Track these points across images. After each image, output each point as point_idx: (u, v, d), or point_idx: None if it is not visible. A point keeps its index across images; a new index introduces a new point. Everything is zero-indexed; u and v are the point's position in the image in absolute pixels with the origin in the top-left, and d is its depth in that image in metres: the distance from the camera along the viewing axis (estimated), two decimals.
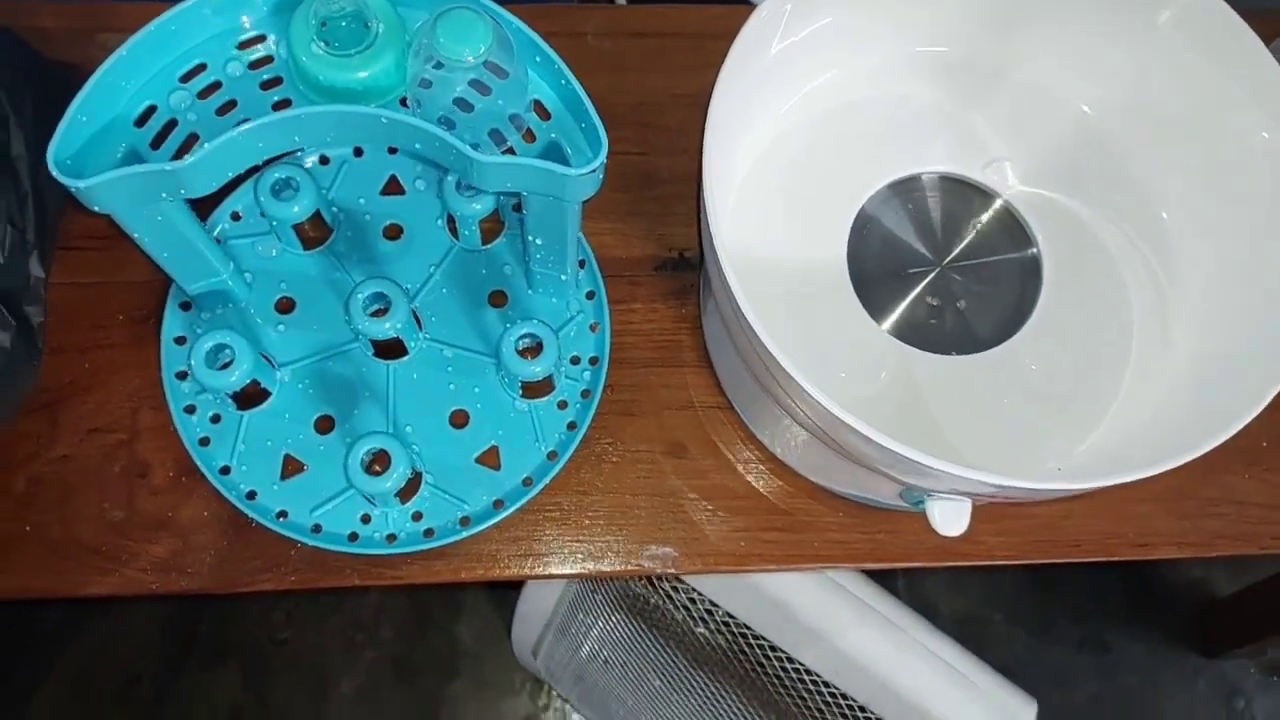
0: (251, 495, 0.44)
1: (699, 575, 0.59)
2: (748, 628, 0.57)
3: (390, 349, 0.46)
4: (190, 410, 0.45)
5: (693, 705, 0.64)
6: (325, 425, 0.46)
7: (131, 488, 0.45)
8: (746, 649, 0.58)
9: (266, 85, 0.39)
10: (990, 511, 0.47)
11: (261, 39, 0.39)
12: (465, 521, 0.45)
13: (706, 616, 0.59)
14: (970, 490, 0.37)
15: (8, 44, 0.46)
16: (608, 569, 0.46)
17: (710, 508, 0.47)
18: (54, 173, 0.35)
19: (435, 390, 0.46)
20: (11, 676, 0.91)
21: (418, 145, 0.38)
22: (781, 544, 0.47)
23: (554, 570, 0.46)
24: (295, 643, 0.94)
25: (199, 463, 0.44)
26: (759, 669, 0.58)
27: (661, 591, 0.60)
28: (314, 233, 0.48)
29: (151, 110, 0.38)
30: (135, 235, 0.40)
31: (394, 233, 0.49)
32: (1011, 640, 0.97)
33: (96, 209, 0.37)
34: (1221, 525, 0.48)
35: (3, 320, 0.42)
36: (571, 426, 0.46)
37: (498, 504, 0.45)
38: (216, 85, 0.38)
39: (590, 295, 0.48)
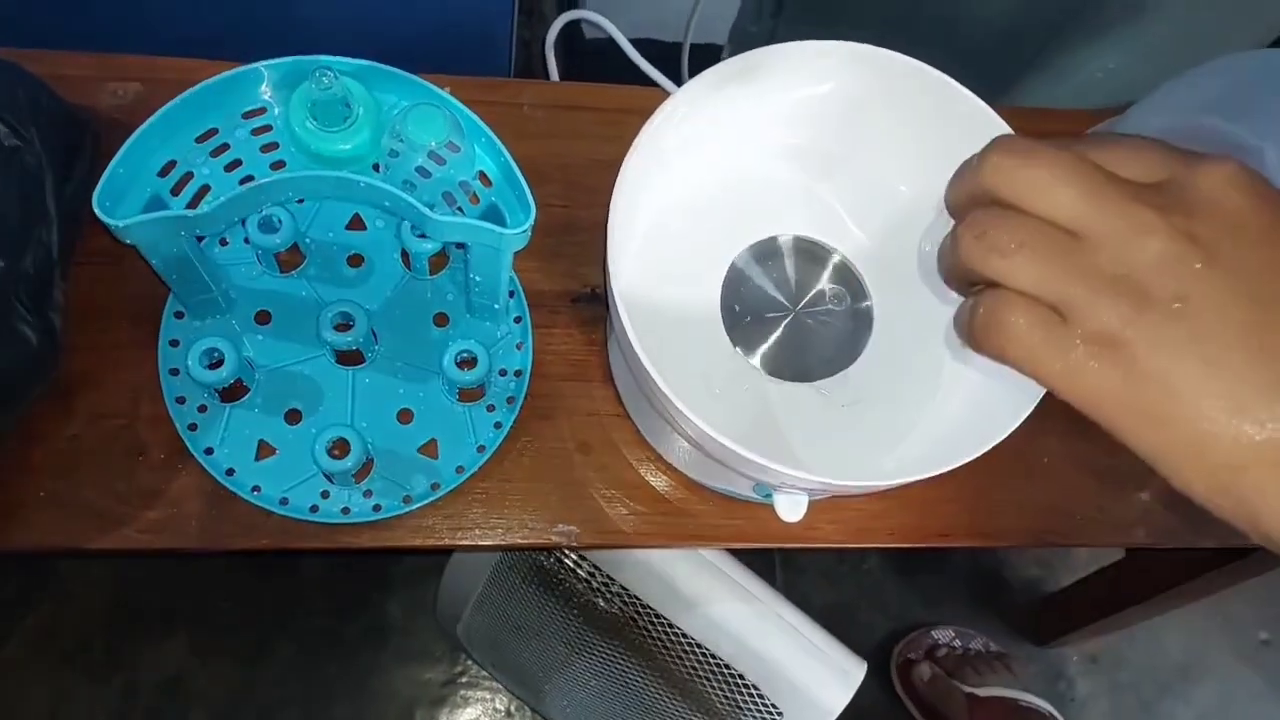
0: (231, 472, 0.54)
1: (597, 549, 0.70)
2: (638, 598, 0.69)
3: (350, 358, 0.56)
4: (181, 401, 0.55)
5: (591, 666, 0.75)
6: (294, 417, 0.55)
7: (131, 464, 0.54)
8: (636, 616, 0.69)
9: (266, 148, 0.48)
10: (825, 505, 0.59)
11: (263, 110, 0.49)
12: (407, 500, 0.55)
13: (604, 588, 0.70)
14: (800, 485, 0.49)
15: (38, 90, 0.55)
16: (522, 541, 0.57)
17: (608, 495, 0.58)
18: (97, 213, 0.44)
19: (386, 392, 0.56)
20: None
21: (386, 204, 0.48)
22: (663, 526, 0.58)
23: (479, 542, 0.56)
24: (237, 614, 1.02)
25: (188, 444, 0.54)
26: (646, 633, 0.70)
27: (567, 567, 0.71)
28: (290, 259, 0.57)
29: (172, 164, 0.48)
30: (152, 261, 0.49)
31: (356, 261, 0.59)
32: (872, 626, 1.11)
33: (128, 242, 0.46)
34: (1007, 522, 0.61)
35: (32, 323, 0.51)
36: (498, 426, 0.57)
37: (434, 486, 0.55)
38: (225, 146, 0.48)
39: (518, 320, 0.59)
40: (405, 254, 0.58)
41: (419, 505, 0.55)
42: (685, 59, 0.95)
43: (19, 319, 0.51)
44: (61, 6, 0.68)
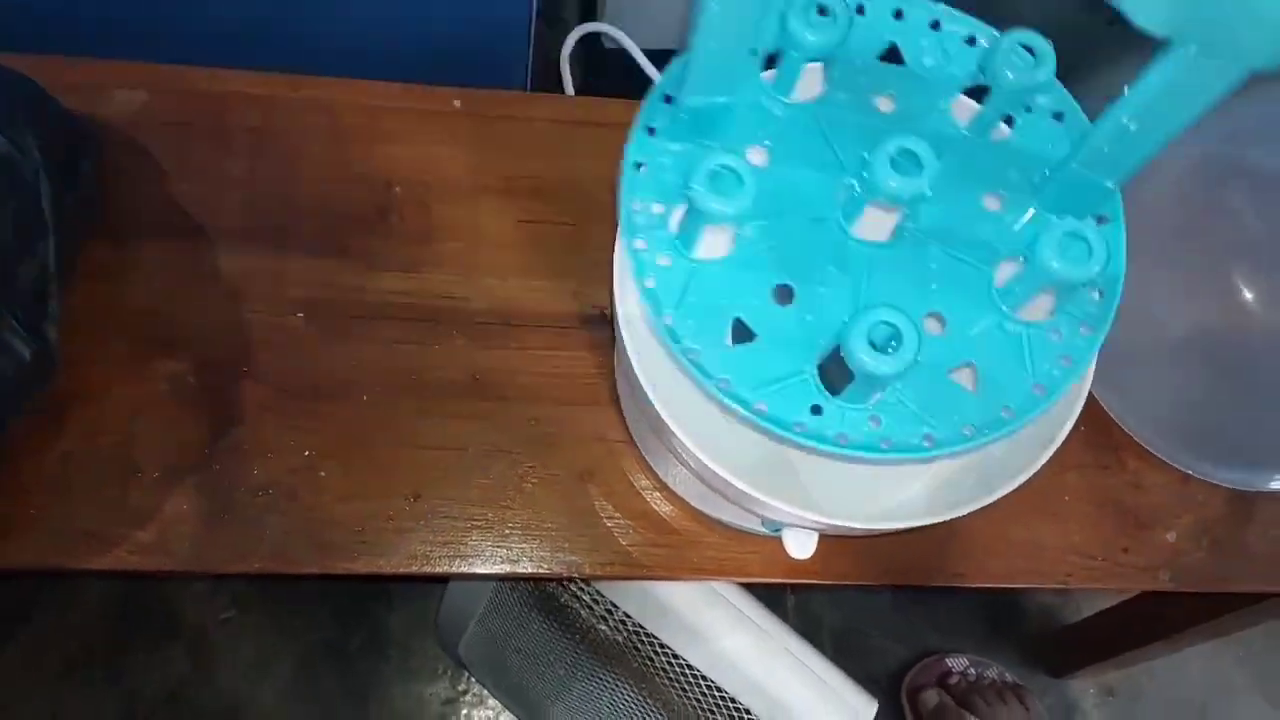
0: (692, 355, 0.39)
1: (601, 580, 0.68)
2: (641, 626, 0.67)
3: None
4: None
5: (592, 692, 0.73)
6: (784, 296, 0.41)
7: (124, 482, 0.52)
8: (640, 645, 0.68)
9: None
10: (837, 541, 0.57)
11: None
12: (929, 440, 0.39)
13: (607, 615, 0.68)
14: (807, 524, 0.47)
15: (39, 98, 0.54)
16: (523, 571, 0.55)
17: (611, 524, 0.56)
18: None
19: (913, 290, 0.41)
20: None
21: None
22: (668, 557, 0.56)
23: (476, 570, 0.54)
24: (238, 625, 1.01)
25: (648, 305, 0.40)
26: (649, 662, 0.68)
27: (570, 592, 0.70)
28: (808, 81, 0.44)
29: None
30: (712, 5, 0.35)
31: (885, 106, 0.44)
32: (884, 653, 1.08)
33: None
34: (1025, 563, 0.58)
35: (27, 339, 0.50)
36: (1066, 360, 0.41)
37: (968, 431, 0.39)
38: None
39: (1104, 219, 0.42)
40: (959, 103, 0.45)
41: (939, 452, 0.39)
42: None
43: (12, 333, 0.49)
44: (68, 10, 0.67)
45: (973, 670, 1.06)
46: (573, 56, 0.92)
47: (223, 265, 0.57)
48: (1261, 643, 1.15)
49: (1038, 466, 0.45)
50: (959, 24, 0.46)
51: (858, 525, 0.45)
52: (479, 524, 0.55)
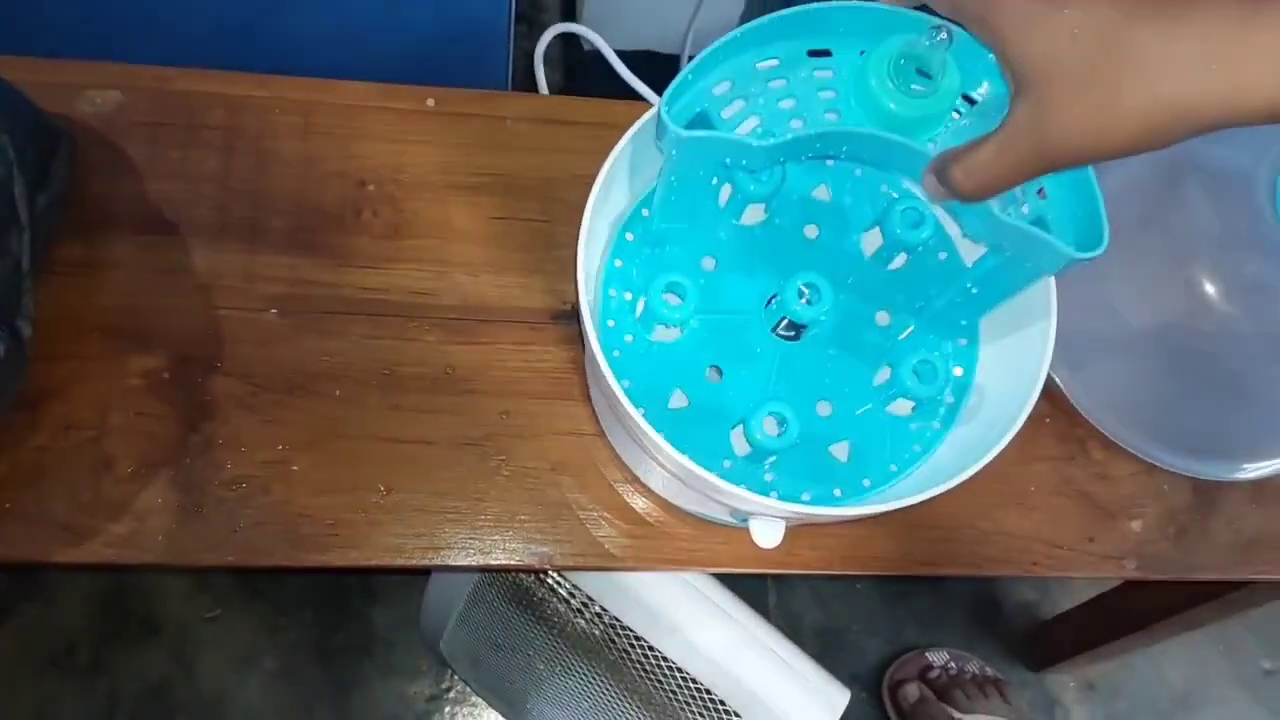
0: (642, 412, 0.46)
1: (574, 571, 0.69)
2: (618, 620, 0.67)
3: (787, 330, 0.52)
4: (611, 324, 0.51)
5: (570, 686, 0.74)
6: (716, 374, 0.51)
7: (98, 476, 0.53)
8: (616, 638, 0.68)
9: (822, 93, 0.45)
10: (805, 531, 0.57)
11: (828, 53, 0.45)
12: (805, 499, 0.49)
13: (583, 609, 0.69)
14: (772, 513, 0.48)
15: (13, 97, 0.54)
16: (496, 563, 0.56)
17: (583, 516, 0.57)
18: (663, 116, 0.41)
19: (812, 379, 0.51)
20: None
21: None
22: (639, 549, 0.57)
23: (451, 562, 0.55)
24: (222, 622, 1.02)
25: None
26: (626, 655, 0.68)
27: (546, 586, 0.70)
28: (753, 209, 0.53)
29: (726, 84, 0.44)
30: (670, 179, 0.46)
31: (811, 233, 0.54)
32: (865, 648, 1.09)
33: (671, 152, 0.44)
34: (993, 552, 0.59)
35: (1, 336, 0.51)
36: (917, 448, 0.51)
37: (838, 493, 0.50)
38: (783, 80, 0.45)
39: (963, 342, 0.53)
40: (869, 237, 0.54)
41: (816, 506, 0.48)
42: None
43: None
44: (42, 9, 0.67)
45: (953, 664, 1.07)
46: (553, 59, 0.93)
47: (196, 262, 0.57)
48: (1239, 635, 1.16)
49: (992, 455, 0.46)
50: (875, 174, 0.54)
51: (819, 512, 0.45)
52: (451, 516, 0.55)
